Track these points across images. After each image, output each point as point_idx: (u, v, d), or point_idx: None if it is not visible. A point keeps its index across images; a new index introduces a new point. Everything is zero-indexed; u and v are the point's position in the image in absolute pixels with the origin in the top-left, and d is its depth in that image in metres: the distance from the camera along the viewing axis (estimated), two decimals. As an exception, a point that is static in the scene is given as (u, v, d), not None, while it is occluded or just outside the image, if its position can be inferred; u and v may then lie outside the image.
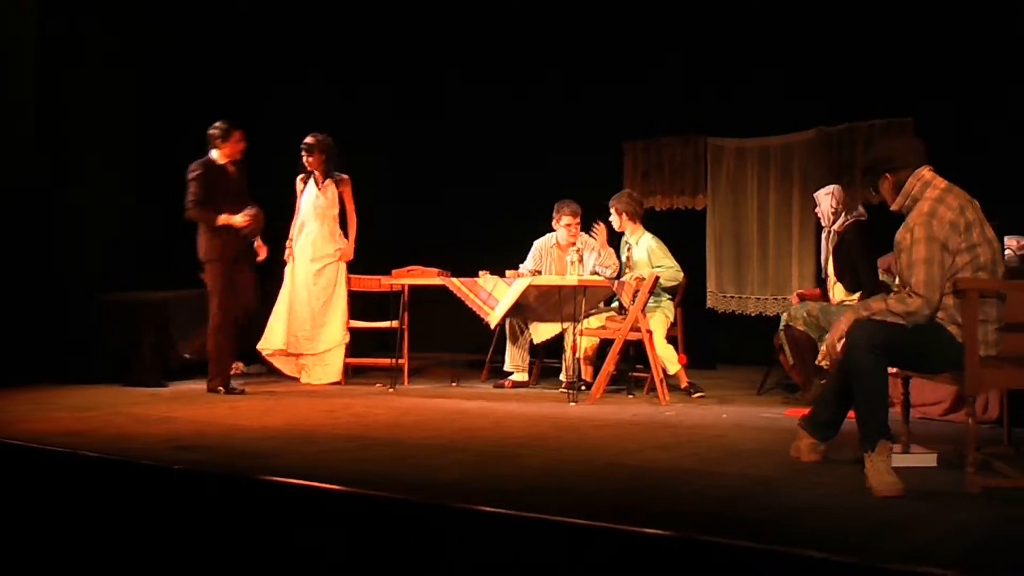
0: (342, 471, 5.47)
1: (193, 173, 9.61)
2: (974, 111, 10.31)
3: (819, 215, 9.05)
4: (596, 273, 9.93)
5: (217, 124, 9.79)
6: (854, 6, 11.17)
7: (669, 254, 9.85)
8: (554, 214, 10.48)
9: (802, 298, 9.37)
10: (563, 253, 10.38)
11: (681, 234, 12.44)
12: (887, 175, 5.58)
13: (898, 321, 5.25)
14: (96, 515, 5.60)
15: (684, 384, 9.53)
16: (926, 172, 5.50)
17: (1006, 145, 9.41)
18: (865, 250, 8.60)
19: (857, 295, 8.56)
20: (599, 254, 10.09)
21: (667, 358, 9.50)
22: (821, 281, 9.21)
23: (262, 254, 10.21)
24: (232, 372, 11.02)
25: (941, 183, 5.44)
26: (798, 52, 11.71)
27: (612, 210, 10.07)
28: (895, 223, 5.54)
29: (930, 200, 5.36)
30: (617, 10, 12.53)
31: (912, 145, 5.65)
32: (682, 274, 9.86)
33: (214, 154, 9.76)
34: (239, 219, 9.66)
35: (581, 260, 9.79)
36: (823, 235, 9.07)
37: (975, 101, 10.37)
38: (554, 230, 10.59)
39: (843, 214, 8.79)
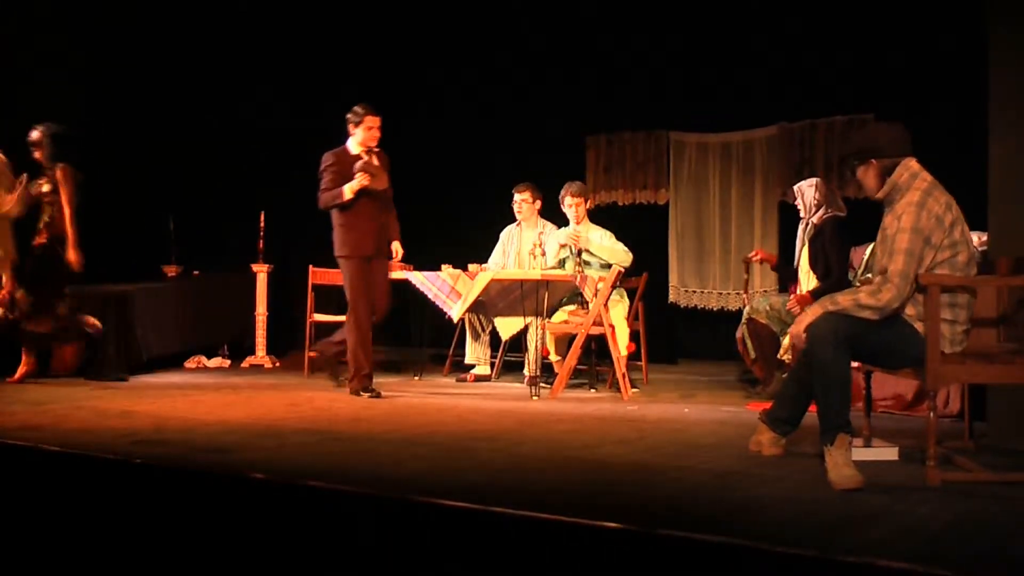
0: (304, 465, 5.46)
1: (324, 163, 9.12)
2: (934, 109, 10.36)
3: (799, 206, 9.08)
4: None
5: (354, 108, 9.21)
6: (817, 3, 11.21)
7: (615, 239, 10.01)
8: None
9: (752, 262, 9.52)
10: (526, 231, 10.49)
11: (643, 229, 12.51)
12: (873, 161, 5.56)
13: (868, 316, 5.26)
14: (55, 509, 5.57)
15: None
16: (913, 163, 5.48)
17: (967, 142, 9.44)
18: (839, 244, 8.64)
19: None
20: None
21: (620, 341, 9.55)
22: (792, 272, 9.22)
23: (398, 255, 9.55)
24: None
25: (928, 177, 5.42)
26: (761, 48, 11.75)
27: (577, 199, 10.12)
28: (870, 220, 5.56)
29: (920, 191, 5.34)
30: (580, 4, 12.52)
31: (901, 134, 5.60)
32: (631, 255, 9.91)
33: (349, 143, 9.20)
34: (356, 181, 8.90)
35: (544, 252, 9.81)
36: (800, 226, 9.09)
37: (935, 99, 10.42)
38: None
39: (823, 207, 8.83)
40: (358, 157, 9.07)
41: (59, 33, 11.69)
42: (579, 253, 9.82)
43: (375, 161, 9.09)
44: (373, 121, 9.15)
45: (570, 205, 10.16)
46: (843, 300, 5.33)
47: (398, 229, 9.54)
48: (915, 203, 5.30)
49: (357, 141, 9.17)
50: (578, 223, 10.16)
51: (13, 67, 11.13)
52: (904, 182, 5.43)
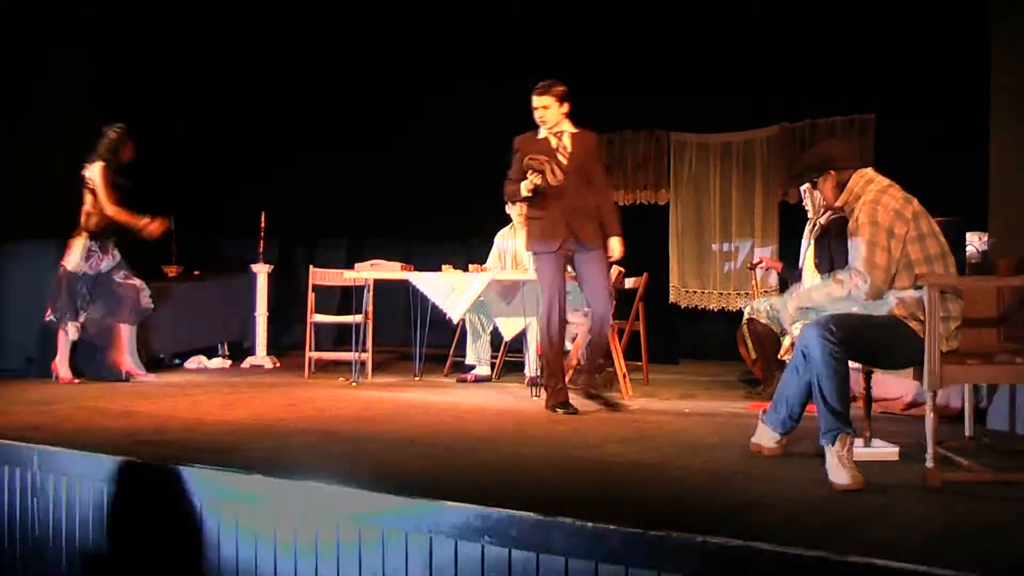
0: (304, 465, 5.46)
1: (513, 150, 8.45)
2: (936, 109, 10.37)
3: (807, 206, 9.07)
4: None
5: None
6: (818, 3, 11.21)
7: None
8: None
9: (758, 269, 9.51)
10: (520, 233, 10.48)
11: (644, 229, 12.49)
12: (831, 172, 5.67)
13: (845, 306, 5.34)
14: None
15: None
16: (869, 172, 5.66)
17: (968, 143, 9.47)
18: (844, 245, 8.64)
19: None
20: None
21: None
22: (797, 273, 9.20)
23: (614, 254, 8.32)
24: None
25: (884, 180, 5.59)
26: (761, 48, 11.75)
27: None
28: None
29: (875, 191, 5.51)
30: (581, 5, 12.53)
31: (854, 148, 5.80)
32: None
33: (541, 129, 8.38)
34: (528, 181, 8.11)
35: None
36: (807, 226, 9.10)
37: (936, 99, 10.42)
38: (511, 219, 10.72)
39: (832, 208, 8.83)
40: (545, 142, 8.32)
41: (61, 34, 11.68)
42: None
43: (565, 144, 8.33)
44: (534, 101, 8.37)
45: None
46: (816, 296, 5.49)
47: (614, 221, 8.29)
48: (870, 201, 5.48)
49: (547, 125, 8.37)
50: None
51: (16, 69, 11.12)
52: (860, 188, 5.60)
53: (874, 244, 5.35)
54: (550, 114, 8.32)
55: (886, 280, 5.34)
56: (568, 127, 8.37)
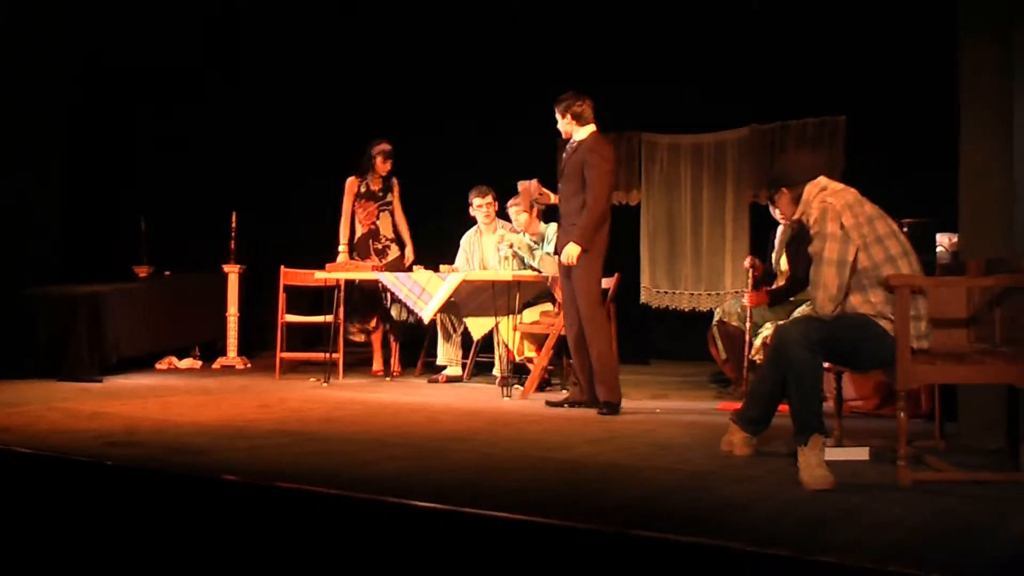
0: (275, 466, 5.45)
1: None
2: (906, 111, 10.40)
3: (775, 214, 9.08)
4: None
5: None
6: (789, 5, 11.23)
7: None
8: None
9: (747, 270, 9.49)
10: (487, 235, 10.51)
11: (615, 230, 12.44)
12: (784, 190, 5.74)
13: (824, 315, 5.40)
14: (27, 512, 5.55)
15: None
16: (821, 179, 5.69)
17: (937, 144, 9.48)
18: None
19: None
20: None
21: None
22: (772, 276, 9.19)
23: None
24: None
25: (837, 185, 5.66)
26: (732, 49, 11.77)
27: (516, 207, 10.13)
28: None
29: (823, 199, 5.56)
30: (551, 5, 12.52)
31: (812, 160, 5.87)
32: (538, 262, 10.12)
33: None
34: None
35: (515, 255, 9.86)
36: (778, 230, 9.08)
37: (907, 101, 10.45)
38: (475, 220, 10.77)
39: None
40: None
41: (43, 34, 11.63)
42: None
43: (571, 153, 8.64)
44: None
45: (515, 214, 10.23)
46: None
47: (579, 227, 8.53)
48: (819, 213, 5.51)
49: None
50: (525, 229, 10.17)
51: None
52: (813, 197, 5.63)
53: (826, 258, 5.43)
54: (560, 125, 8.65)
55: (834, 298, 5.43)
56: (580, 135, 8.57)
